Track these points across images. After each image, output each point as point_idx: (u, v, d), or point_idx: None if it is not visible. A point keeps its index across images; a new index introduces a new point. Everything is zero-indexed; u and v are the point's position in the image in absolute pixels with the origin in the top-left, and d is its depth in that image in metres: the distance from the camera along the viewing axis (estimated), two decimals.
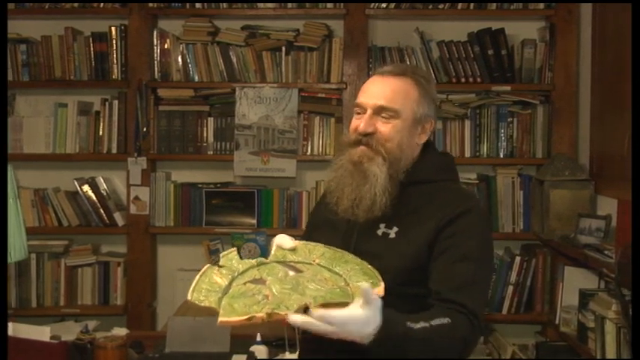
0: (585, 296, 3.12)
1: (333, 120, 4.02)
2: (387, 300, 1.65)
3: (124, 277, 4.03)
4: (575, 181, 3.59)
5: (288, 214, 4.02)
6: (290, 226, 3.99)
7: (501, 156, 3.94)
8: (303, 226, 3.98)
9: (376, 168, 1.85)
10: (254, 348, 2.51)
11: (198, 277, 1.72)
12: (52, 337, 2.56)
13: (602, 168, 3.58)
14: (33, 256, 3.91)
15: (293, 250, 1.82)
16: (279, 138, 3.99)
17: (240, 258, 1.80)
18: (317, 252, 1.82)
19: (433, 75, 3.81)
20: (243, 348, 2.53)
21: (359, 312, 1.55)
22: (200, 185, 4.05)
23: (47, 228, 4.02)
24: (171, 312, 3.64)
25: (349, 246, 1.87)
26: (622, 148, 3.23)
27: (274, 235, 1.93)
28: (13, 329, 2.51)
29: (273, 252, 1.82)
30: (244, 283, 1.70)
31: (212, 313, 1.64)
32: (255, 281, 1.72)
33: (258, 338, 2.55)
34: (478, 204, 1.96)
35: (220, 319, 1.60)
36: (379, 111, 1.88)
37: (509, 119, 3.95)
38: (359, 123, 1.89)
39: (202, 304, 1.65)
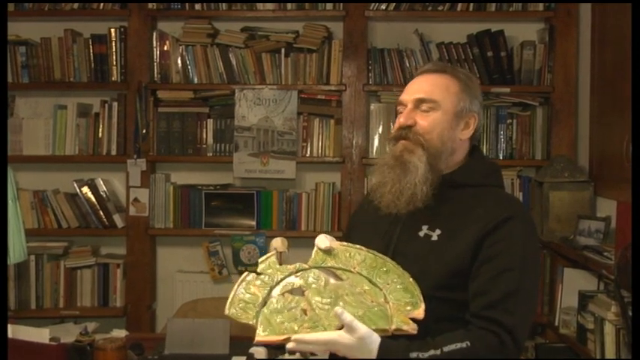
0: (585, 298, 3.11)
1: (332, 121, 4.02)
2: (426, 304, 1.68)
3: (123, 278, 4.03)
4: (574, 182, 3.59)
5: (288, 215, 4.02)
6: (289, 228, 3.99)
7: (501, 157, 3.94)
8: (303, 227, 3.99)
9: (416, 159, 1.83)
10: (253, 350, 2.51)
11: (235, 287, 1.71)
12: (51, 339, 2.55)
13: (602, 169, 3.58)
14: (32, 257, 3.91)
15: (328, 252, 1.80)
16: (278, 139, 3.99)
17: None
18: (358, 257, 1.79)
19: None
20: (242, 350, 2.53)
21: (339, 338, 1.61)
22: (199, 187, 4.05)
23: (46, 230, 4.03)
24: (170, 314, 3.64)
25: (389, 246, 1.86)
26: (621, 150, 3.23)
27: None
28: (13, 331, 2.50)
29: (313, 255, 1.81)
30: (282, 294, 1.70)
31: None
32: (294, 290, 1.71)
33: None
34: (523, 210, 1.91)
35: (257, 338, 1.61)
36: (419, 104, 1.87)
37: (509, 121, 3.95)
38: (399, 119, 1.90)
39: (240, 321, 1.65)
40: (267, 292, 1.70)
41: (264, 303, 1.68)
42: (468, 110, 1.89)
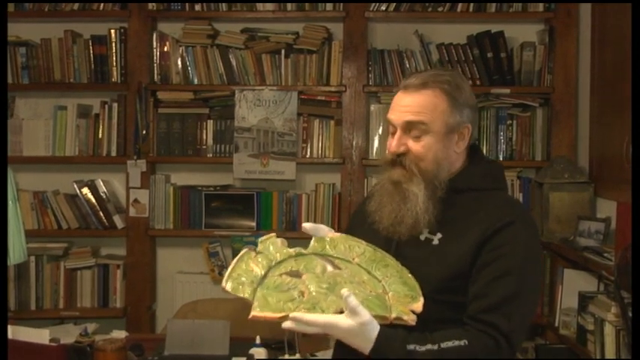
0: (585, 299, 3.11)
1: (332, 122, 4.03)
2: (427, 306, 1.68)
3: (123, 279, 4.03)
4: (574, 183, 3.59)
5: (288, 216, 4.02)
6: (289, 229, 3.98)
7: (501, 158, 3.93)
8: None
9: (415, 188, 1.81)
10: (253, 350, 2.51)
11: (234, 262, 1.69)
12: (51, 340, 2.56)
13: (602, 170, 3.58)
14: (32, 258, 3.90)
15: (326, 240, 1.79)
16: (278, 140, 3.99)
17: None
18: (357, 250, 1.79)
19: None
20: (242, 350, 2.53)
21: (340, 321, 1.60)
22: (199, 188, 4.05)
23: (46, 231, 4.02)
24: (170, 314, 3.64)
25: (390, 249, 1.85)
26: (621, 151, 3.23)
27: None
28: (13, 332, 2.50)
29: (312, 243, 1.80)
30: (280, 275, 1.69)
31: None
32: (291, 273, 1.70)
33: (258, 341, 2.55)
34: (525, 214, 1.89)
35: (253, 313, 1.59)
36: (408, 128, 1.82)
37: (509, 122, 3.95)
38: (392, 142, 1.86)
39: (237, 295, 1.63)
40: (266, 270, 1.69)
41: (262, 281, 1.66)
42: (459, 123, 1.84)
